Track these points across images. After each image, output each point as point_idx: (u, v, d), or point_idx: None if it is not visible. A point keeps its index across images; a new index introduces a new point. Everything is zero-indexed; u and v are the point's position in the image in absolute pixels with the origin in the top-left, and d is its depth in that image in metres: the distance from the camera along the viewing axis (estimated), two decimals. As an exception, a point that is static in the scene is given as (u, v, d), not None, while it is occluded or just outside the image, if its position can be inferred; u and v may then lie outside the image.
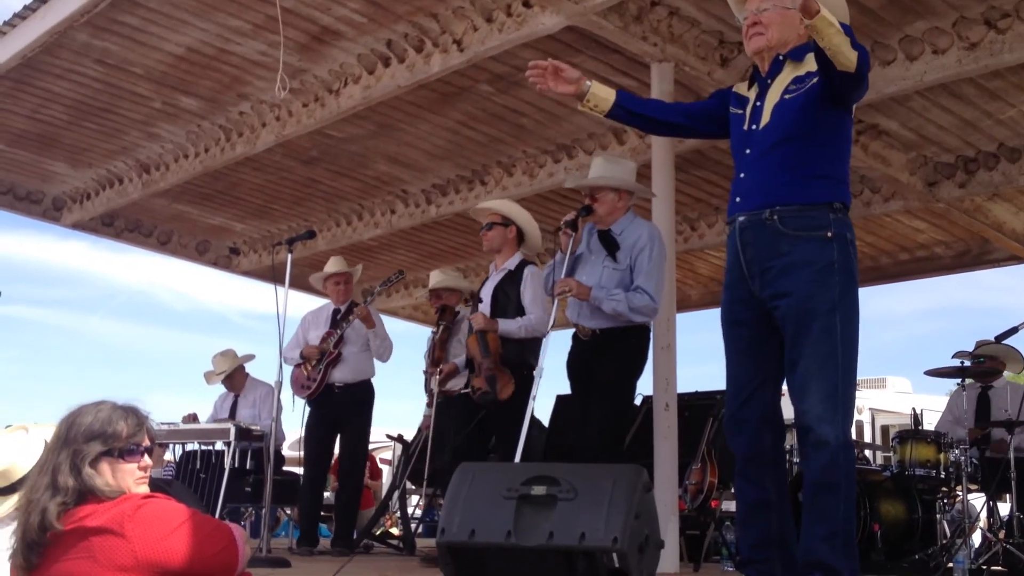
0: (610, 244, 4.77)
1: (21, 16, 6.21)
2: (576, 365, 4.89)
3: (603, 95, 3.60)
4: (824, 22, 2.92)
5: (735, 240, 3.33)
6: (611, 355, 4.71)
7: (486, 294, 5.55)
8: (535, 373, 4.29)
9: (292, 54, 6.40)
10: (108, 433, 2.43)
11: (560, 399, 7.13)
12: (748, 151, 3.35)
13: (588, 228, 4.91)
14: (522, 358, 5.35)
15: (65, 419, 2.46)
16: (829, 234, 3.17)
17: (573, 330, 4.92)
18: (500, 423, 5.28)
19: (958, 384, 6.35)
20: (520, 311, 5.38)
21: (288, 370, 6.79)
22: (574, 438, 4.81)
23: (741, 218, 3.31)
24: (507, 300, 5.43)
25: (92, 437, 2.41)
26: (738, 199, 3.34)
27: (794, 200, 3.21)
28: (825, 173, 3.25)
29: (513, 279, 5.46)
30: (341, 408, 6.55)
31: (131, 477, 2.45)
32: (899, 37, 5.86)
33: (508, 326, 5.32)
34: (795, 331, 3.17)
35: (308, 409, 6.59)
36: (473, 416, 6.23)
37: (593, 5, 5.26)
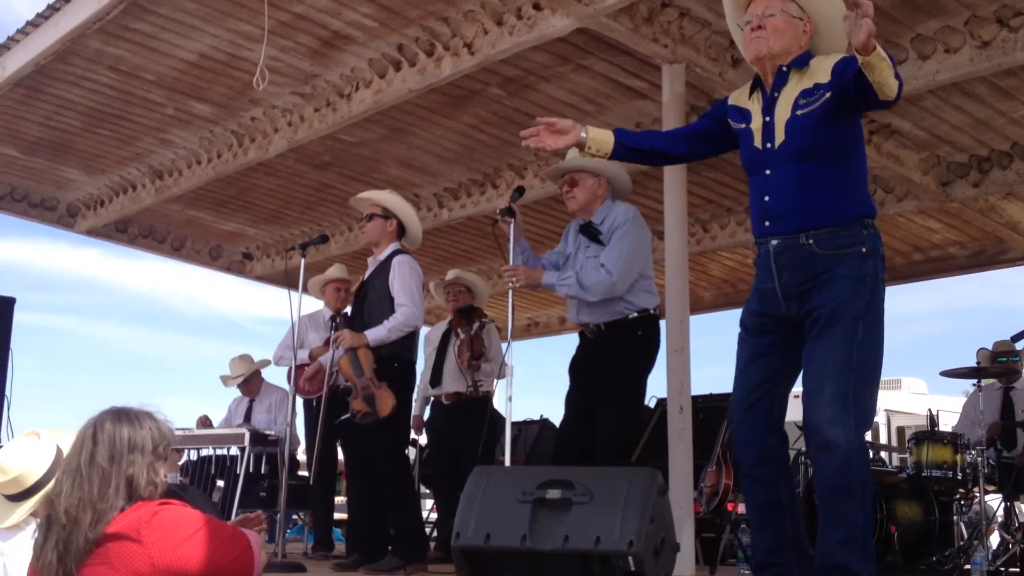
0: (593, 233, 4.72)
1: (34, 24, 6.23)
2: (580, 362, 4.80)
3: (603, 139, 3.58)
4: (878, 58, 2.89)
5: (769, 264, 3.30)
6: (615, 353, 4.61)
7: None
8: (506, 372, 4.25)
9: (303, 59, 6.42)
10: (160, 443, 2.46)
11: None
12: (768, 171, 3.31)
13: (573, 226, 4.88)
14: (392, 351, 5.26)
15: (111, 427, 2.43)
16: (864, 250, 3.19)
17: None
18: (391, 439, 5.22)
19: (974, 385, 6.31)
20: (388, 300, 5.26)
21: (283, 371, 6.88)
22: (580, 441, 4.72)
23: (774, 242, 3.28)
24: (376, 293, 5.33)
25: (145, 448, 2.43)
26: (767, 223, 3.31)
27: (828, 221, 3.20)
28: (851, 187, 3.25)
29: (382, 270, 5.36)
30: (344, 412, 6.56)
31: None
32: (911, 36, 5.84)
33: (378, 334, 5.19)
34: (817, 333, 3.17)
35: (311, 411, 6.59)
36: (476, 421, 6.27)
37: (603, 7, 5.25)
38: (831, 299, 3.16)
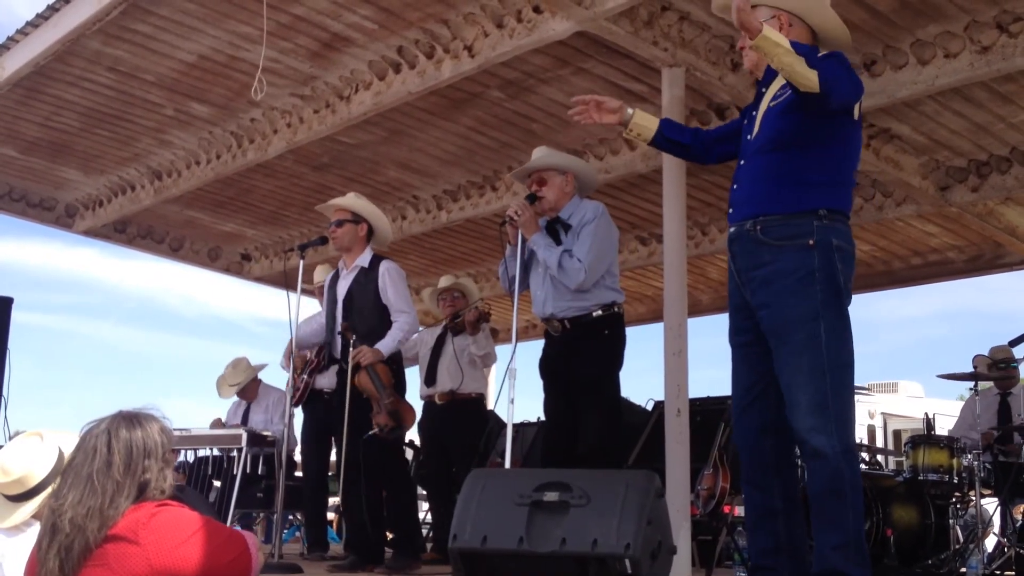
0: (557, 231, 4.72)
1: (34, 24, 6.23)
2: (549, 363, 4.80)
3: (646, 124, 3.62)
4: (768, 43, 2.89)
5: (729, 251, 3.38)
6: (585, 356, 4.61)
7: (340, 293, 5.47)
8: (507, 373, 4.25)
9: (303, 61, 6.42)
10: (167, 447, 2.47)
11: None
12: (743, 162, 3.40)
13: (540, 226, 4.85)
14: (393, 355, 5.31)
15: (127, 434, 2.41)
16: (811, 242, 3.15)
17: (542, 341, 4.88)
18: (402, 448, 5.36)
19: (971, 389, 6.32)
20: (378, 308, 5.30)
21: (279, 370, 6.93)
22: (565, 445, 4.68)
23: (731, 229, 3.35)
24: (363, 298, 5.34)
25: (158, 453, 2.43)
26: (731, 210, 3.39)
27: (776, 210, 3.21)
28: (812, 179, 3.21)
29: (368, 276, 5.38)
30: (334, 414, 6.55)
31: None
32: (911, 41, 5.84)
33: (387, 344, 5.21)
34: (777, 343, 3.17)
35: (302, 415, 6.61)
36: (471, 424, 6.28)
37: (603, 10, 5.25)
38: (776, 300, 3.16)
